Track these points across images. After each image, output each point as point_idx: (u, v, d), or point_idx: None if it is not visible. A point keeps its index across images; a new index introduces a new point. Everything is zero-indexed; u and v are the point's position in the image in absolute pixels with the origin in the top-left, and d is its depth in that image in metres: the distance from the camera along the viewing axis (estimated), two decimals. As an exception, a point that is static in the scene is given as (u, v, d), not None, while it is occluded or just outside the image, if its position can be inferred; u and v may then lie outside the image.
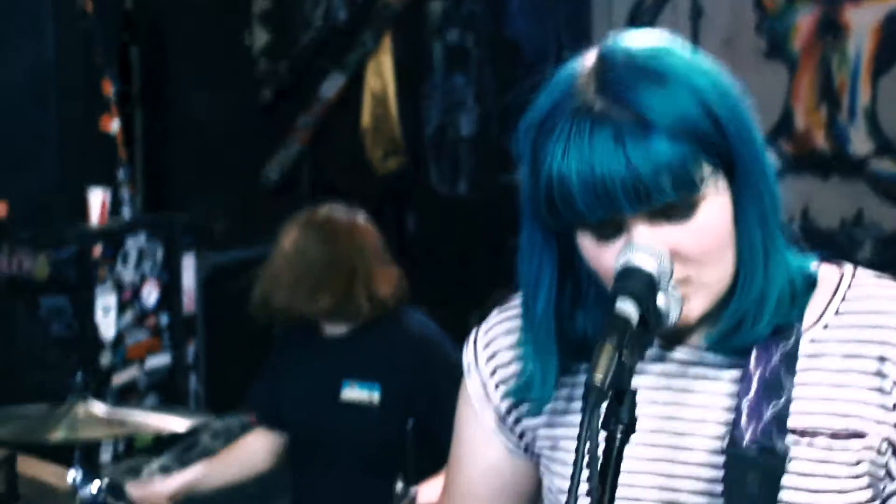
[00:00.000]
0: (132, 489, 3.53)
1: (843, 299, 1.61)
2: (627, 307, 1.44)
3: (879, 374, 1.57)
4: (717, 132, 1.50)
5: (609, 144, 1.46)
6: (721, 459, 1.57)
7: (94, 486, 3.10)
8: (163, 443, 4.81)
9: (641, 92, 1.48)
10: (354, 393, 3.55)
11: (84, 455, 3.16)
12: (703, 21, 6.03)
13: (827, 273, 1.63)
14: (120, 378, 5.30)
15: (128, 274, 5.36)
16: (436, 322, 3.68)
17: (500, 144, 6.54)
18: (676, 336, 1.63)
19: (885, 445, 1.57)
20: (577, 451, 1.35)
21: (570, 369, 1.65)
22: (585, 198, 1.47)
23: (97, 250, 5.21)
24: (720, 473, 1.56)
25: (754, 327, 1.57)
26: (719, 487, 1.56)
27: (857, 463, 1.56)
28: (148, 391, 5.46)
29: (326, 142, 7.14)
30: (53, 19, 5.34)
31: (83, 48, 5.48)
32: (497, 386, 1.73)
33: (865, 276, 1.64)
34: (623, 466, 1.41)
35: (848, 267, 1.65)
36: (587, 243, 1.54)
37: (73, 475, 3.11)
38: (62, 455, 3.28)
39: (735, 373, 1.60)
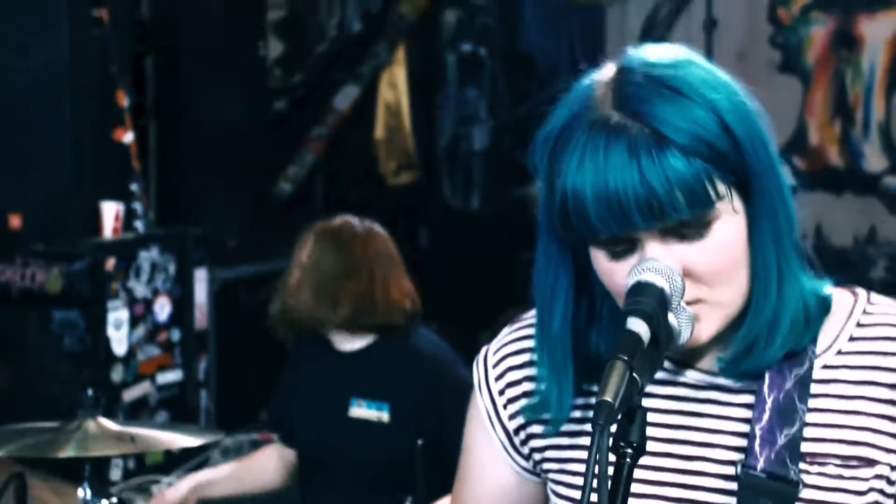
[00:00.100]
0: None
1: (858, 325, 1.60)
2: (639, 326, 1.42)
3: (891, 402, 1.55)
4: (733, 149, 1.49)
5: (623, 158, 1.45)
6: (732, 485, 1.56)
7: (104, 504, 3.10)
8: (173, 460, 4.80)
9: (658, 106, 1.47)
10: (363, 410, 3.54)
11: (94, 472, 3.15)
12: (717, 34, 6.02)
13: (841, 298, 1.62)
14: (131, 394, 5.30)
15: (140, 288, 5.35)
16: (446, 340, 3.67)
17: (513, 158, 6.54)
18: (688, 358, 1.62)
19: (895, 475, 1.55)
20: (586, 470, 1.33)
21: (581, 390, 1.63)
22: (599, 212, 1.46)
23: (110, 264, 5.21)
24: (731, 500, 1.55)
25: (766, 350, 1.55)
26: (731, 512, 1.55)
27: (868, 491, 1.55)
28: (159, 407, 5.45)
29: (340, 154, 7.14)
30: (68, 30, 5.35)
31: (98, 59, 5.50)
32: (506, 405, 1.72)
33: (880, 301, 1.63)
34: (632, 489, 1.40)
35: (862, 292, 1.64)
36: (600, 260, 1.53)
37: (82, 493, 3.10)
38: (72, 472, 3.27)
39: (747, 398, 1.58)
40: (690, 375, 1.62)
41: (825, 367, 1.58)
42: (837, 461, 1.54)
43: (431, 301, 3.76)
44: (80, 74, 5.40)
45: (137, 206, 5.59)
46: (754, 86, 1.58)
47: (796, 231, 1.56)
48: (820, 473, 1.54)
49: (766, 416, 1.55)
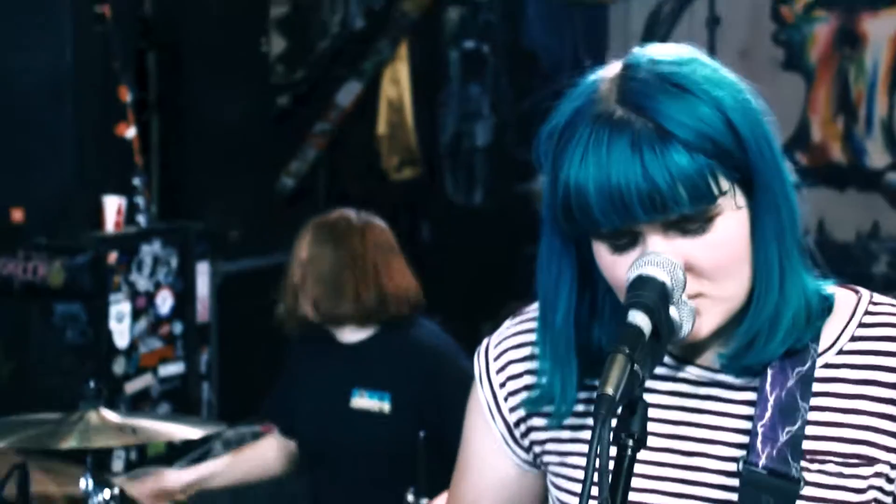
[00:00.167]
0: (145, 481, 3.54)
1: (860, 325, 1.60)
2: (640, 318, 1.42)
3: (892, 401, 1.56)
4: (736, 146, 1.49)
5: (626, 152, 1.45)
6: (733, 481, 1.56)
7: (106, 495, 3.10)
8: (175, 451, 4.81)
9: (662, 102, 1.47)
10: (364, 401, 3.55)
11: (96, 463, 3.16)
12: (720, 31, 6.02)
13: (844, 297, 1.62)
14: (133, 386, 5.31)
15: (142, 281, 5.36)
16: (449, 333, 3.67)
17: (515, 154, 6.54)
18: (688, 354, 1.62)
19: (894, 473, 1.56)
20: (587, 462, 1.33)
21: (583, 384, 1.63)
22: (601, 205, 1.47)
23: (112, 257, 5.21)
24: (732, 496, 1.56)
25: (767, 346, 1.55)
26: (732, 509, 1.55)
27: (867, 489, 1.55)
28: (161, 399, 5.46)
29: (342, 150, 7.14)
30: (71, 26, 5.35)
31: (100, 55, 5.49)
32: (507, 398, 1.72)
33: (883, 302, 1.63)
34: (632, 484, 1.40)
35: (865, 292, 1.64)
36: (603, 254, 1.53)
37: (84, 483, 3.10)
38: (74, 463, 3.27)
39: (749, 395, 1.59)
40: (691, 371, 1.62)
41: (827, 365, 1.58)
42: (838, 459, 1.55)
43: (433, 296, 3.76)
44: (83, 70, 5.39)
45: (140, 201, 5.59)
46: (757, 83, 1.58)
47: (799, 228, 1.56)
48: (820, 471, 1.54)
49: (768, 414, 1.55)
